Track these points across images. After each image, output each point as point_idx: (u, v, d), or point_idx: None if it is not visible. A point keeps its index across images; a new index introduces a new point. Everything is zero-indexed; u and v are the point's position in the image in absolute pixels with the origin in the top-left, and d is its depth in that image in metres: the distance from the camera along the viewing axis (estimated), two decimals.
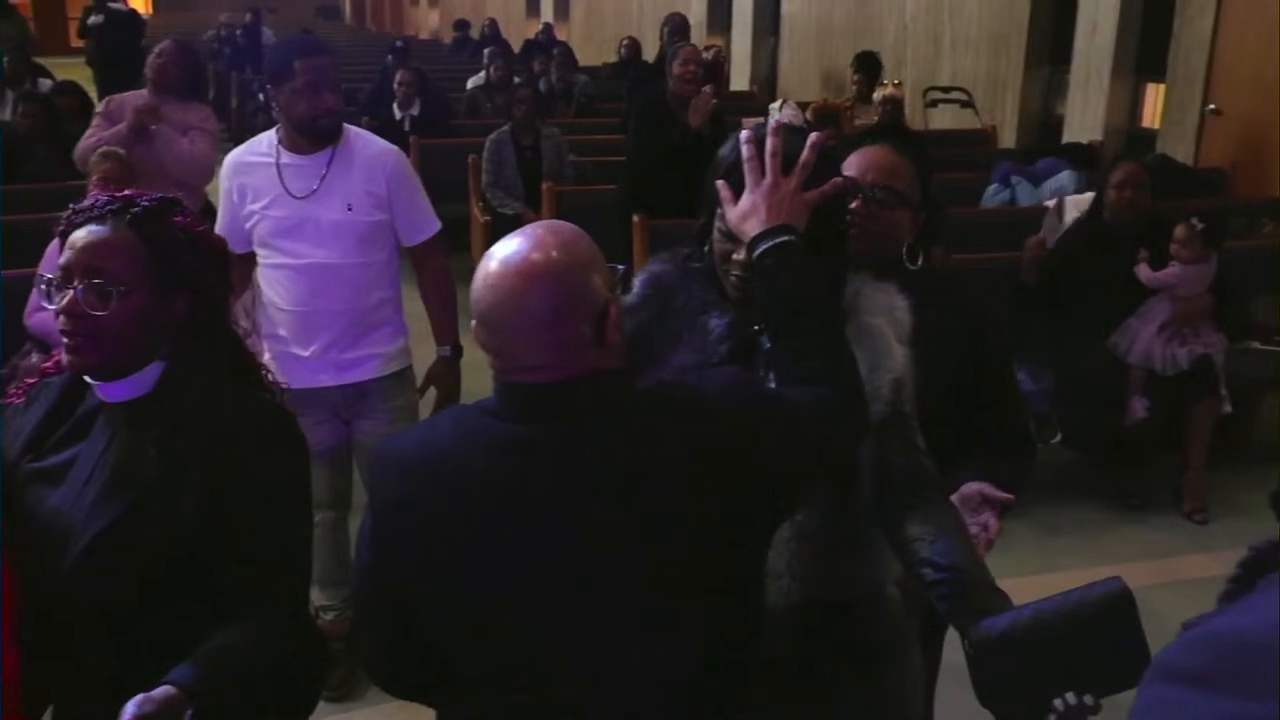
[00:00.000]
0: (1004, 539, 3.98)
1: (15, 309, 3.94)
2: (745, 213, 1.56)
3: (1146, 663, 1.15)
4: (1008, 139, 8.35)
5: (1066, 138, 7.75)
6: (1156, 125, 7.43)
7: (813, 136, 1.59)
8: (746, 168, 1.57)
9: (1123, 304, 4.48)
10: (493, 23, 14.13)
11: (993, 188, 6.21)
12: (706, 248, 1.71)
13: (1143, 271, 4.43)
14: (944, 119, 8.77)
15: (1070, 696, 1.40)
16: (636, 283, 1.78)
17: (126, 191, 1.74)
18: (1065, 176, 6.00)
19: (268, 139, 3.11)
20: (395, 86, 8.02)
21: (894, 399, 1.68)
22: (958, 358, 1.98)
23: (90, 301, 1.60)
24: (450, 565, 1.41)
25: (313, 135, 3.02)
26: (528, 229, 1.44)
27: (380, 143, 3.18)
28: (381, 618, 1.52)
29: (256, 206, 3.05)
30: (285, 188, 3.03)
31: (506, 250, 1.39)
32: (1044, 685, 1.40)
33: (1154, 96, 7.58)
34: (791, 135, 1.60)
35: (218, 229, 3.09)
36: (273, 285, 3.11)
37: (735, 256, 1.61)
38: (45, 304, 1.66)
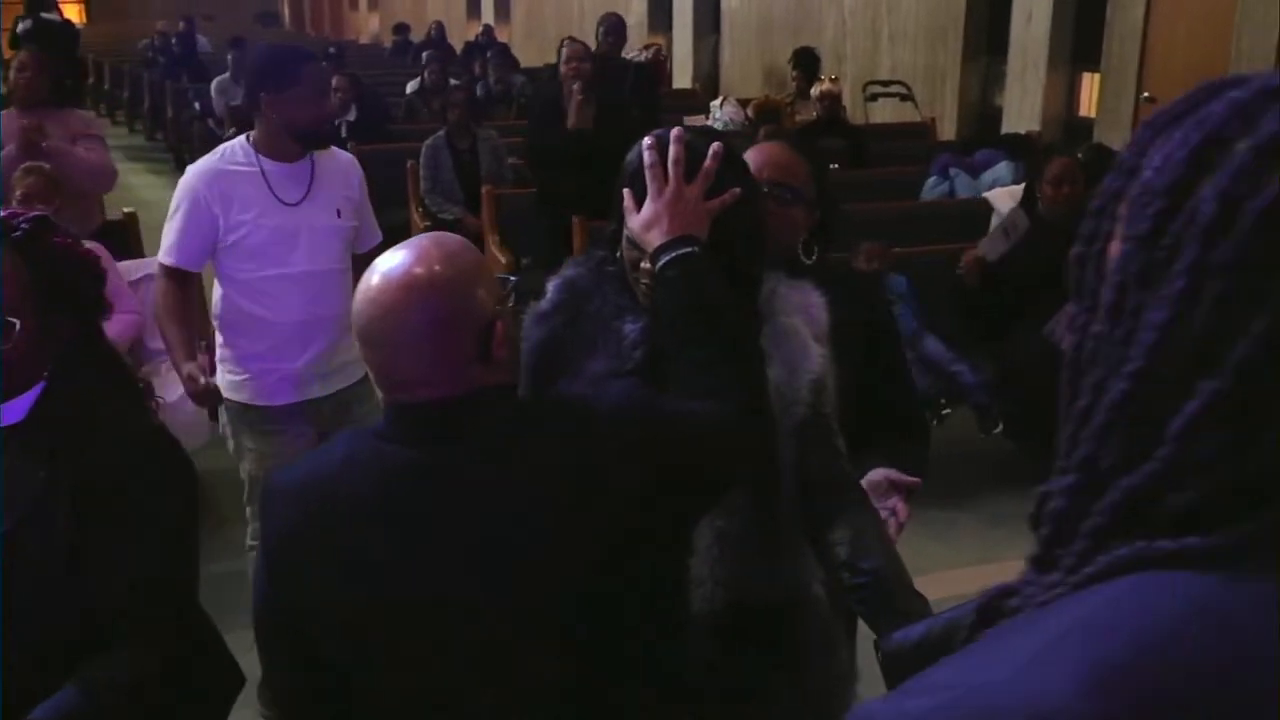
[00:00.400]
0: (946, 529, 4.06)
1: None
2: (648, 222, 1.55)
3: None
4: (948, 131, 8.40)
5: (1005, 128, 7.81)
6: (1093, 114, 7.50)
7: (714, 145, 1.58)
8: (649, 175, 1.55)
9: (1060, 295, 4.47)
10: (438, 26, 14.04)
11: (932, 180, 6.23)
12: (618, 253, 1.69)
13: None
14: (884, 113, 8.81)
15: None
16: (550, 287, 1.76)
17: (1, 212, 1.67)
18: (1003, 168, 6.04)
19: (240, 147, 3.02)
20: (331, 92, 7.90)
21: (814, 401, 1.67)
22: (862, 348, 1.97)
23: None
24: (345, 596, 1.37)
25: (312, 141, 3.01)
26: (412, 242, 1.40)
27: (341, 153, 3.22)
28: (284, 654, 1.48)
29: (247, 216, 2.96)
30: (275, 195, 2.97)
31: (389, 264, 1.36)
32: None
33: (1090, 85, 7.65)
34: (695, 141, 1.59)
35: (171, 244, 3.01)
36: (259, 298, 3.01)
37: (644, 265, 1.59)
38: None
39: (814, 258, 2.00)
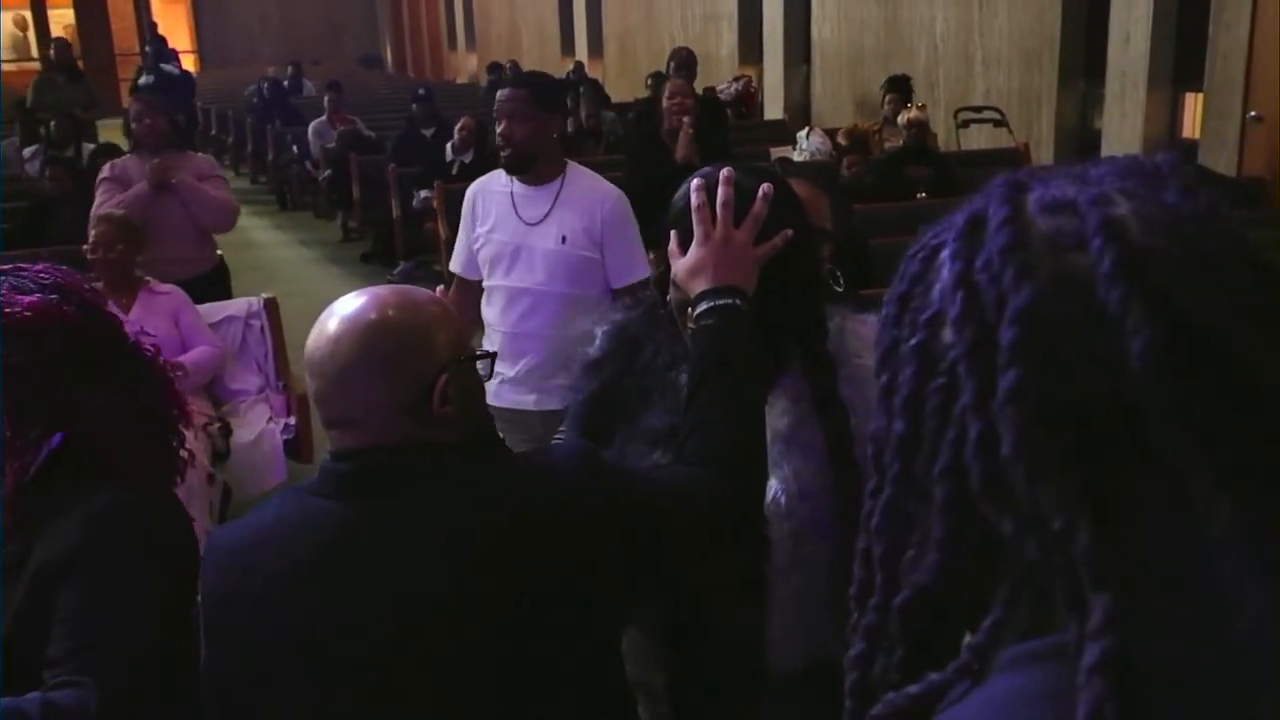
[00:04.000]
0: None
1: None
2: (692, 268, 1.48)
3: None
4: (1045, 155, 8.17)
5: (1105, 152, 7.56)
6: (1197, 135, 7.22)
7: (764, 187, 1.51)
8: (695, 218, 1.48)
9: None
10: (514, 64, 14.21)
11: None
12: (668, 296, 1.62)
13: None
14: (978, 139, 8.62)
15: None
16: (599, 334, 1.70)
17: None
18: None
19: (503, 174, 3.33)
20: (455, 131, 8.10)
21: None
22: None
23: None
24: (275, 661, 1.34)
25: (501, 163, 3.28)
26: (378, 287, 1.41)
27: (603, 184, 3.36)
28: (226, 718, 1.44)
29: (483, 230, 3.29)
30: (517, 213, 3.24)
31: (347, 300, 1.36)
32: None
33: (1193, 106, 7.38)
34: (745, 181, 1.51)
35: (455, 252, 3.44)
36: (491, 305, 3.32)
37: (691, 310, 1.52)
38: None
39: (841, 285, 1.94)
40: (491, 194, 3.32)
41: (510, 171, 3.26)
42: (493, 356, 1.44)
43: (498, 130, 3.24)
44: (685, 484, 1.37)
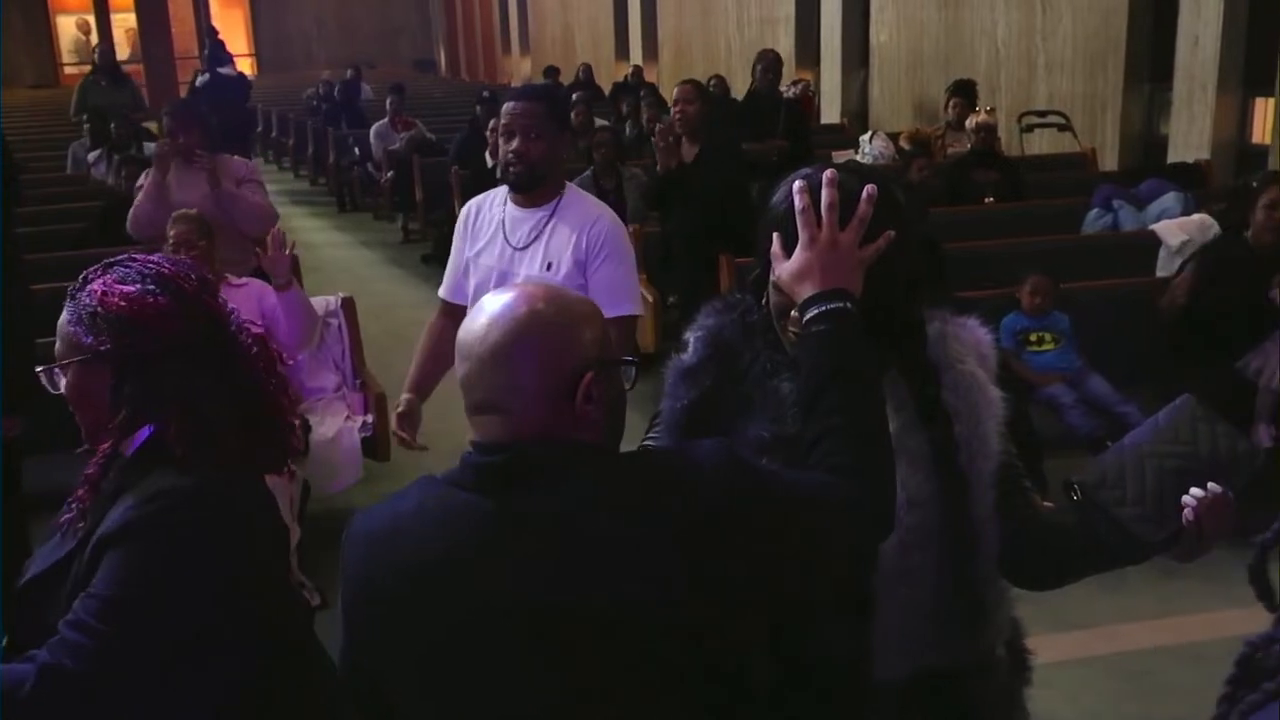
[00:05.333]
0: (1116, 582, 3.83)
1: None
2: (799, 273, 1.46)
3: (1249, 444, 1.54)
4: (1109, 161, 8.09)
5: (1172, 157, 7.47)
6: (1267, 141, 7.11)
7: (868, 187, 1.48)
8: (800, 221, 1.46)
9: (1252, 329, 4.25)
10: (586, 68, 14.27)
11: (1093, 213, 5.98)
12: (763, 300, 1.60)
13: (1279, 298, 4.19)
14: (1041, 144, 8.54)
15: (1196, 491, 1.47)
16: (691, 340, 1.66)
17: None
18: (1171, 198, 5.76)
19: (502, 191, 3.13)
20: (489, 134, 8.03)
21: (1004, 448, 1.60)
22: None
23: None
24: (417, 651, 1.34)
25: (505, 180, 3.05)
26: (530, 283, 1.44)
27: (596, 208, 3.10)
28: (363, 709, 1.46)
29: (471, 254, 3.12)
30: (505, 237, 3.06)
31: (502, 290, 1.40)
32: (1163, 495, 1.49)
33: (1264, 110, 7.26)
34: (847, 182, 1.49)
35: (445, 276, 3.25)
36: None
37: (793, 314, 1.50)
38: None
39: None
40: (486, 214, 3.12)
41: (519, 190, 3.02)
42: (638, 364, 1.44)
43: (510, 146, 2.95)
44: (824, 490, 1.36)
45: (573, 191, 3.12)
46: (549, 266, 3.00)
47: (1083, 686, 3.31)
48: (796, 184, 1.49)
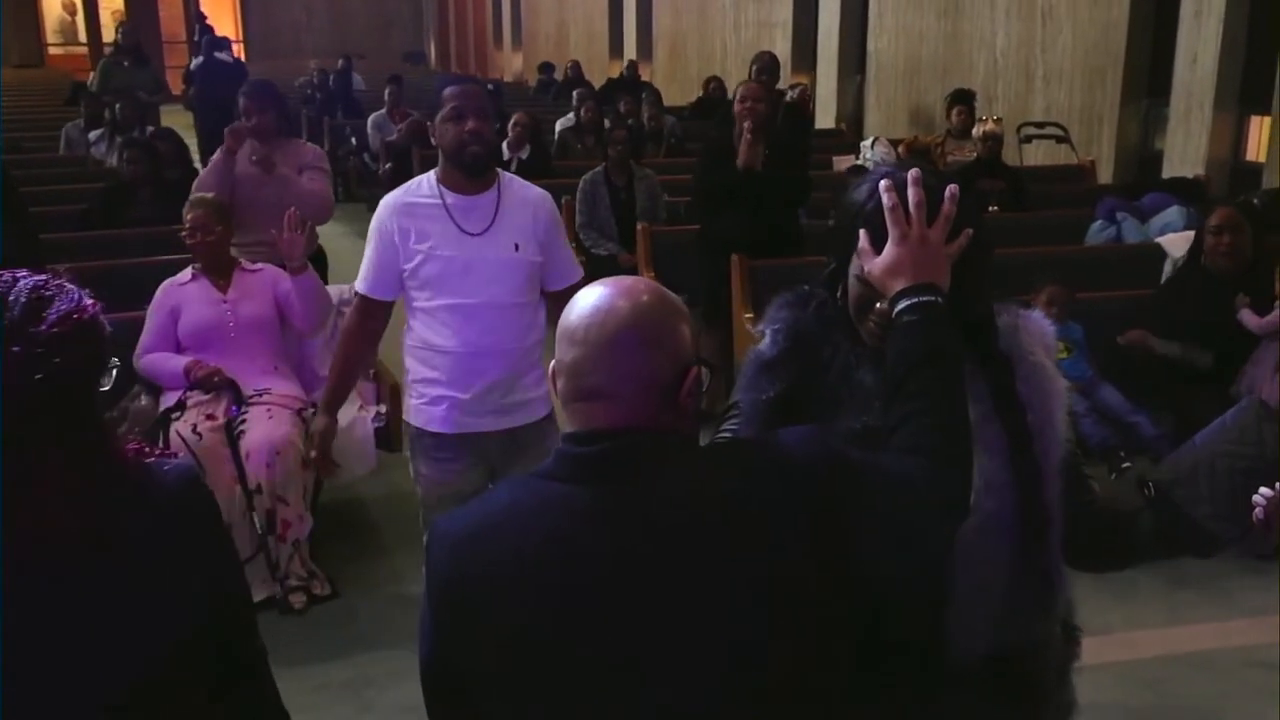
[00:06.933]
0: (1127, 590, 3.90)
1: (121, 352, 4.00)
2: (891, 268, 1.51)
3: None
4: (1104, 174, 8.18)
5: (1167, 172, 7.56)
6: (1261, 159, 7.21)
7: (951, 187, 1.54)
8: (890, 218, 1.51)
9: (1234, 349, 4.33)
10: (575, 65, 14.28)
11: (1097, 224, 6.05)
12: (838, 293, 1.65)
13: (1247, 318, 4.28)
14: (1037, 155, 8.62)
15: (1265, 490, 1.56)
16: (769, 333, 1.70)
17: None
18: (1173, 212, 5.84)
19: (427, 181, 3.12)
20: (510, 128, 8.07)
21: (1070, 435, 1.66)
22: None
23: None
24: (511, 644, 1.33)
25: (460, 163, 3.03)
26: (629, 277, 1.46)
27: (534, 187, 3.21)
28: (446, 710, 1.46)
29: (423, 247, 3.04)
30: (458, 226, 3.03)
31: (613, 280, 1.42)
32: (1234, 494, 1.58)
33: (1259, 128, 7.36)
34: (930, 181, 1.55)
35: (362, 272, 3.15)
36: (435, 327, 3.08)
37: (879, 306, 1.55)
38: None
39: None
40: (420, 208, 3.07)
41: (478, 172, 3.04)
42: (713, 368, 1.46)
43: (465, 127, 3.00)
44: (912, 474, 1.39)
45: (505, 175, 3.18)
46: (516, 248, 3.05)
47: (1096, 691, 3.36)
48: (883, 183, 1.54)
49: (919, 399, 1.44)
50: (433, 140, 3.13)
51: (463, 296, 3.04)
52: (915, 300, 1.47)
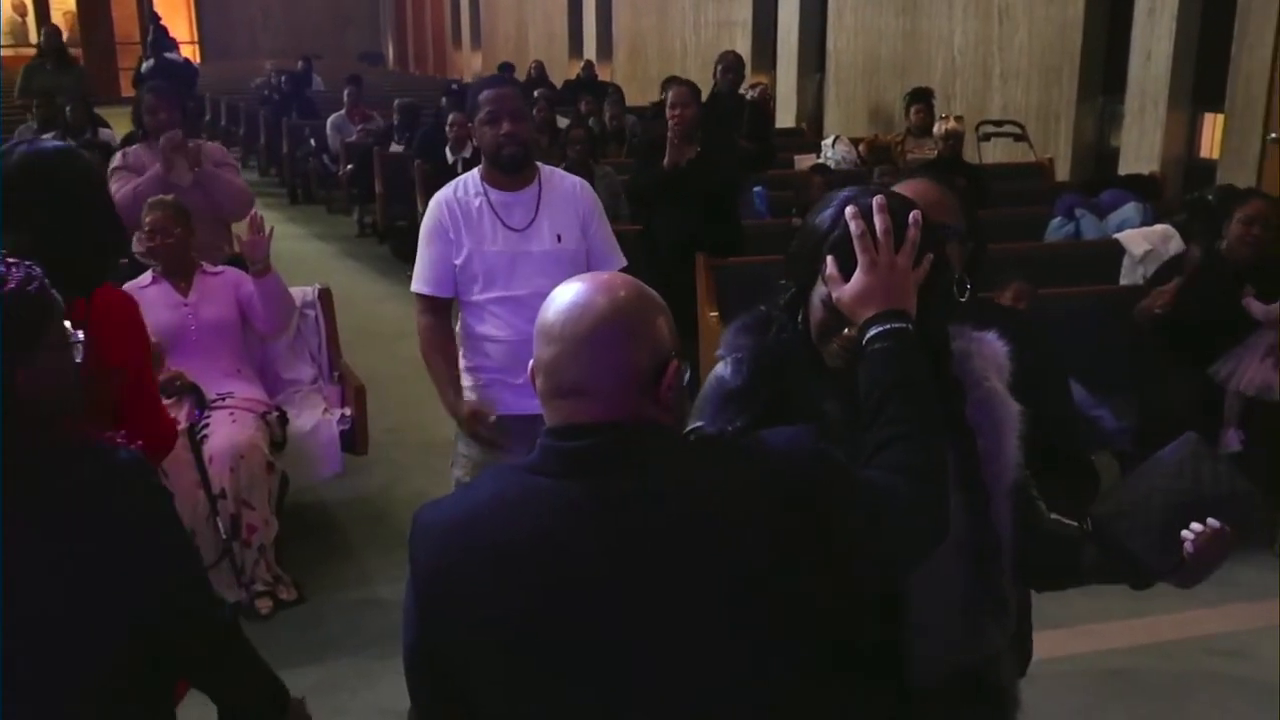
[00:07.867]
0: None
1: None
2: (861, 295, 1.51)
3: (1245, 483, 1.67)
4: (1061, 171, 8.27)
5: (1123, 169, 7.66)
6: (1215, 155, 7.32)
7: (913, 214, 1.55)
8: (858, 245, 1.52)
9: (1226, 338, 4.40)
10: (538, 65, 14.25)
11: (1056, 221, 6.12)
12: (798, 317, 1.64)
13: (1254, 306, 4.34)
14: (995, 153, 8.71)
15: (1195, 526, 1.63)
16: (730, 361, 1.68)
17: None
18: (1130, 209, 5.92)
19: (472, 179, 3.26)
20: (447, 129, 8.02)
21: (1021, 460, 1.68)
22: (1025, 389, 1.89)
23: None
24: (496, 635, 1.35)
25: (498, 163, 3.17)
26: (604, 273, 1.47)
27: (571, 177, 3.38)
28: (428, 695, 1.47)
29: (471, 243, 3.18)
30: (503, 222, 3.18)
31: (585, 277, 1.43)
32: (1168, 528, 1.65)
33: (1212, 126, 7.48)
34: (894, 206, 1.55)
35: (419, 273, 3.25)
36: (487, 318, 3.22)
37: (847, 332, 1.55)
38: None
39: (966, 295, 1.93)
40: (467, 205, 3.21)
41: (514, 170, 3.17)
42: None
43: (500, 130, 3.12)
44: (895, 487, 1.42)
45: (545, 168, 3.32)
46: (559, 239, 3.20)
47: (1062, 684, 3.40)
48: (849, 210, 1.54)
49: (896, 424, 1.46)
50: (473, 142, 3.31)
51: (511, 289, 3.17)
52: (886, 327, 1.49)
